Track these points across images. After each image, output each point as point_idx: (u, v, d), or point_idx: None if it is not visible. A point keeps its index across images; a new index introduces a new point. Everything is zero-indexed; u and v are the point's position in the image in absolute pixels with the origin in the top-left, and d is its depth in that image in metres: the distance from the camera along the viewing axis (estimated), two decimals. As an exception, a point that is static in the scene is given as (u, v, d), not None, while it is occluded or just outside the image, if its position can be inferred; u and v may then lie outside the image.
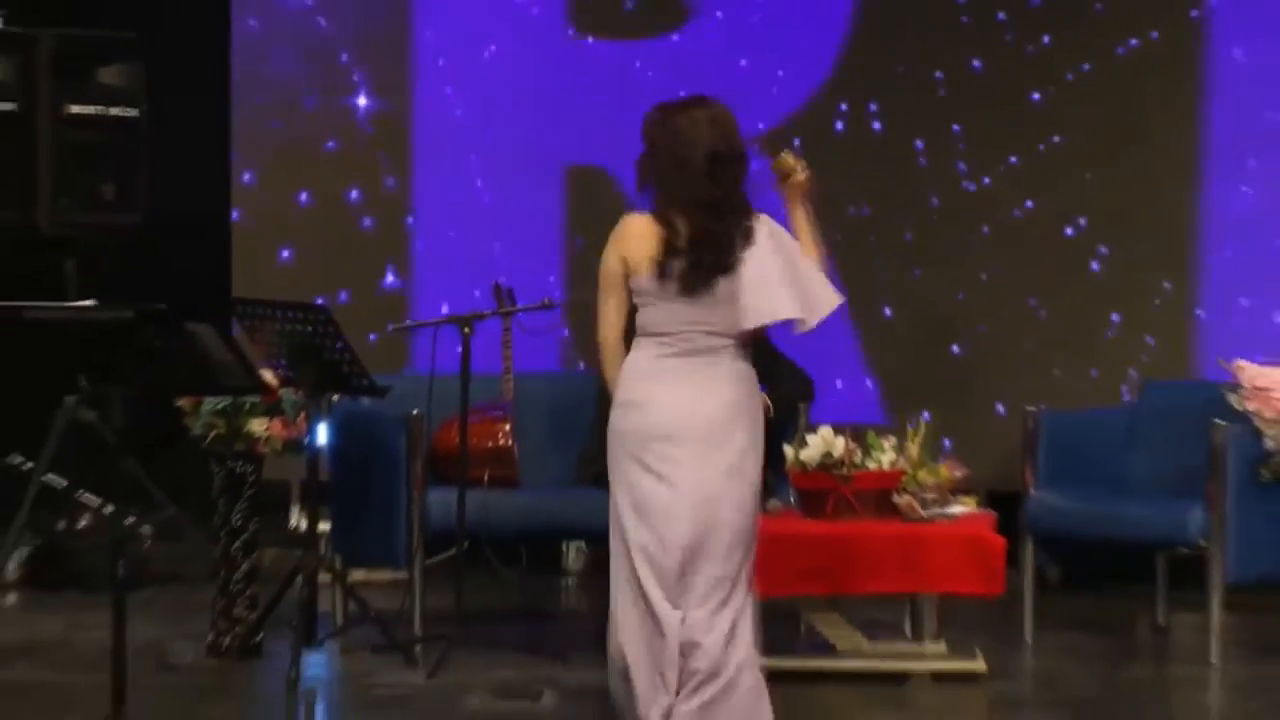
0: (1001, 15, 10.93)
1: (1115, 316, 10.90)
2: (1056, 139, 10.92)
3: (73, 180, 9.87)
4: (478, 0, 11.04)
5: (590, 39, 11.04)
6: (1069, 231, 10.93)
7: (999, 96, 10.94)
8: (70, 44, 9.95)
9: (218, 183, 10.96)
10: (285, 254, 10.96)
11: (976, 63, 10.95)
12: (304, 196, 10.98)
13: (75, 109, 9.88)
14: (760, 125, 10.61)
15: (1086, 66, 10.92)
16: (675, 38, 11.01)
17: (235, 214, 10.97)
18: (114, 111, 9.96)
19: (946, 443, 9.93)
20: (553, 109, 10.98)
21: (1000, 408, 10.82)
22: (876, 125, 10.97)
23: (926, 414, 9.63)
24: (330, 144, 10.99)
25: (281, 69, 10.94)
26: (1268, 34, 10.81)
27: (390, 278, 10.97)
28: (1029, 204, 10.94)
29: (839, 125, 10.96)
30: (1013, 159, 10.97)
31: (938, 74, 10.96)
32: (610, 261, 6.95)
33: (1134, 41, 10.87)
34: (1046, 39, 10.92)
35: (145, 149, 10.04)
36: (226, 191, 10.95)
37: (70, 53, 9.92)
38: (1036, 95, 10.94)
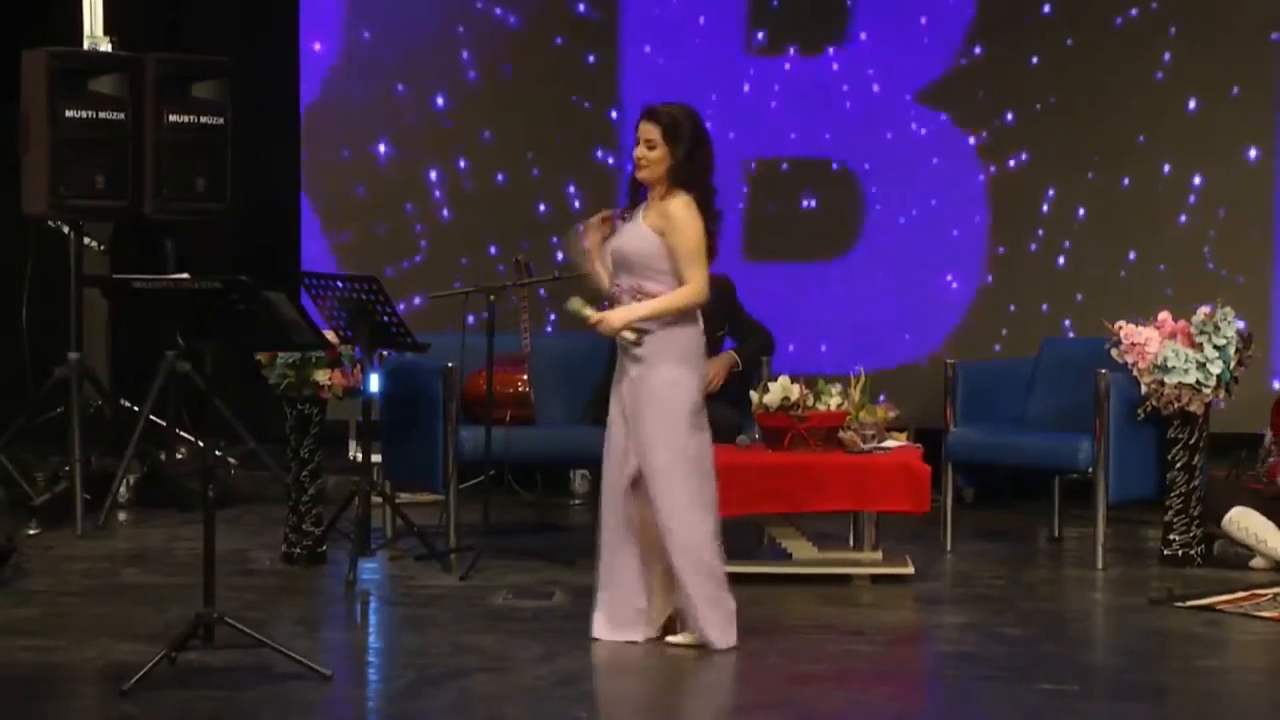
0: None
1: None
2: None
3: (171, 175, 9.85)
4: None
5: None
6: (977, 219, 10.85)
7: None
8: (169, 65, 9.94)
9: (289, 178, 10.92)
10: (344, 236, 10.92)
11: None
12: (360, 190, 10.94)
13: (173, 118, 9.86)
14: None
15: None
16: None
17: (303, 203, 10.93)
18: (205, 120, 9.94)
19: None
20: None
21: (925, 360, 10.76)
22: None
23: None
24: (381, 148, 10.93)
25: (341, 85, 10.90)
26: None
27: (419, 259, 10.92)
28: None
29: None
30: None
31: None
32: (700, 234, 7.00)
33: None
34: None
35: (230, 150, 10.02)
36: (297, 185, 10.92)
37: (169, 72, 9.90)
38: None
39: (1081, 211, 10.63)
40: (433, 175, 10.95)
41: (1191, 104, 10.46)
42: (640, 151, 7.00)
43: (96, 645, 7.09)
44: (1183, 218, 10.49)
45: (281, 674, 6.59)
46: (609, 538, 7.14)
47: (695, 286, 6.97)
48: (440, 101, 10.91)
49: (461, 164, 10.93)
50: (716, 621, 7.05)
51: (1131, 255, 10.55)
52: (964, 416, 9.25)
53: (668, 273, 6.98)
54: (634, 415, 7.03)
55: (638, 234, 7.02)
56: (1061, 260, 10.65)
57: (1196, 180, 10.47)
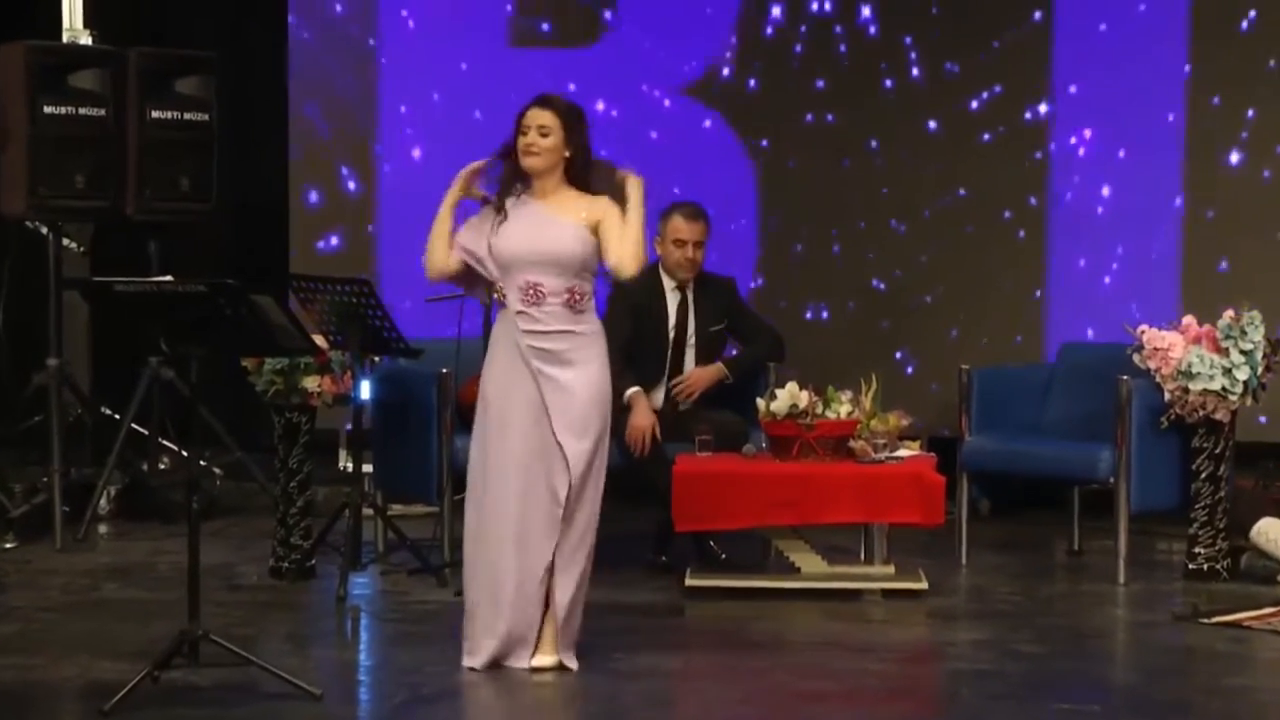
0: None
1: (1037, 292, 10.79)
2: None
3: (154, 174, 9.84)
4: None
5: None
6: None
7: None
8: (152, 60, 9.93)
9: (277, 176, 10.92)
10: (334, 238, 10.91)
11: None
12: (350, 188, 10.92)
13: (156, 114, 9.86)
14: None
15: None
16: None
17: (291, 203, 10.92)
18: (189, 116, 9.94)
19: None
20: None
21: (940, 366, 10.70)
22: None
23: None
24: (373, 145, 10.92)
25: (331, 82, 10.88)
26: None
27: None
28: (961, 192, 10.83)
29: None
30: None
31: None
32: None
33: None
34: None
35: (215, 148, 10.01)
36: (285, 184, 10.91)
37: (152, 67, 9.90)
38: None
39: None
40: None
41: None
42: (532, 138, 6.91)
43: (76, 663, 7.08)
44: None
45: (269, 693, 6.58)
46: (496, 556, 6.93)
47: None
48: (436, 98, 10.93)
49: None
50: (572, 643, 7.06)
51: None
52: (979, 425, 9.22)
53: (597, 272, 7.03)
54: (565, 426, 6.90)
55: (572, 235, 6.91)
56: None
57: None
